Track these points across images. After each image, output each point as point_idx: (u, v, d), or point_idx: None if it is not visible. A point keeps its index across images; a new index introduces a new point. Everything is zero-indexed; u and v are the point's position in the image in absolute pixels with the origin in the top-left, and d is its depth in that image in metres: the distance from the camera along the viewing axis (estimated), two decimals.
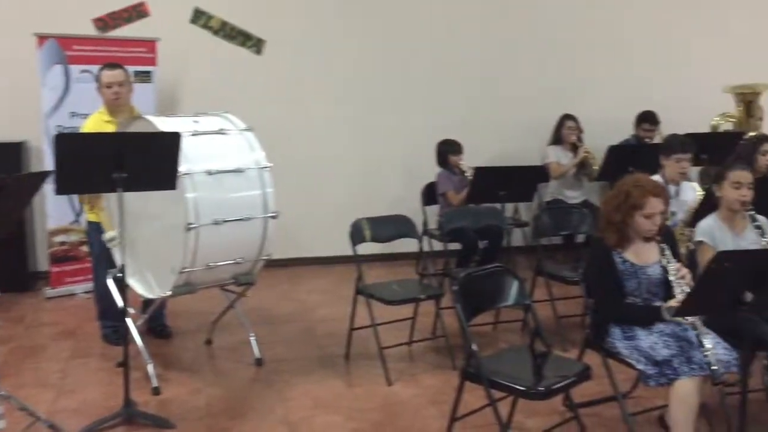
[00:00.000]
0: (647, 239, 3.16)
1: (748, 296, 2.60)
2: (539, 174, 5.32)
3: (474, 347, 2.92)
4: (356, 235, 4.18)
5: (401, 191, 6.29)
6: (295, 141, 6.23)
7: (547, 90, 6.67)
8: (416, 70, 6.57)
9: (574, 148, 6.22)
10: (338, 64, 6.41)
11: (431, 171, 5.76)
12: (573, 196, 6.29)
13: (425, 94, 6.60)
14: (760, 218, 3.50)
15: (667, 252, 3.14)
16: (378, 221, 4.32)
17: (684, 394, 2.93)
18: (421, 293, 4.20)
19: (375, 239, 4.28)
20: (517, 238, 6.29)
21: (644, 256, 3.18)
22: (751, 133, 5.92)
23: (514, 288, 3.21)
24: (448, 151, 5.63)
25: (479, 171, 5.02)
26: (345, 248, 4.22)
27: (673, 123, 6.38)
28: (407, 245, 4.76)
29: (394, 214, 4.49)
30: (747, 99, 6.09)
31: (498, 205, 5.11)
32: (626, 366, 3.14)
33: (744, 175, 3.50)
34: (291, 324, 4.99)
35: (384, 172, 6.59)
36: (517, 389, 2.88)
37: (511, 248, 6.18)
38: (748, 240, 3.50)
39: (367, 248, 4.43)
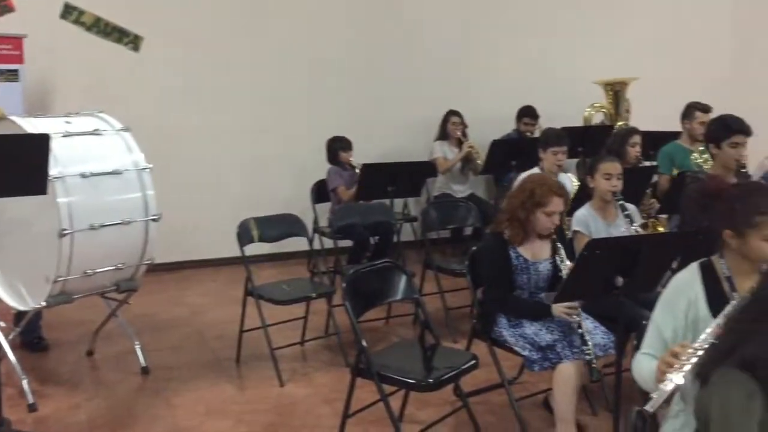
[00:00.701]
0: (543, 237, 3.28)
1: (620, 281, 2.74)
2: (426, 169, 5.42)
3: (364, 343, 2.93)
4: (244, 235, 4.10)
5: (291, 190, 6.23)
6: (179, 141, 6.03)
7: (433, 87, 6.78)
8: (303, 68, 6.51)
9: (460, 143, 6.37)
10: (222, 62, 6.26)
11: (322, 169, 5.74)
12: (460, 190, 6.45)
13: (313, 92, 6.55)
14: (630, 207, 3.71)
15: (561, 251, 3.28)
16: (266, 221, 4.25)
17: (566, 377, 3.07)
18: (312, 292, 4.17)
19: (263, 239, 4.22)
20: (408, 233, 6.39)
21: (537, 252, 3.30)
22: (620, 124, 6.29)
23: (402, 282, 3.24)
24: (337, 147, 5.63)
25: (367, 167, 5.05)
26: (234, 250, 4.13)
27: (551, 117, 6.69)
28: (298, 244, 4.71)
29: (282, 213, 4.44)
30: (615, 90, 6.43)
31: (387, 201, 5.17)
32: (512, 353, 3.25)
33: (614, 167, 3.70)
34: (179, 329, 4.83)
35: (273, 171, 6.50)
36: (407, 382, 2.93)
37: (402, 243, 6.27)
38: (620, 228, 3.71)
39: (257, 249, 4.36)
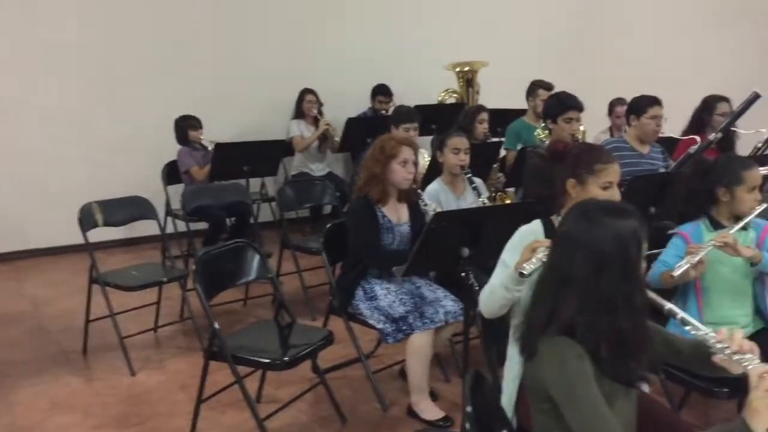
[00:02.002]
0: (402, 195, 3.35)
1: (465, 251, 2.85)
2: (281, 148, 5.35)
3: (216, 325, 2.87)
4: (86, 220, 3.87)
5: (141, 172, 5.94)
6: (13, 123, 5.59)
7: (287, 65, 6.70)
8: (148, 47, 6.21)
9: (316, 121, 6.35)
10: (60, 38, 5.85)
11: (173, 149, 5.52)
12: (318, 169, 6.44)
13: (160, 71, 6.27)
14: (477, 180, 3.85)
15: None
16: (111, 204, 4.04)
17: (418, 346, 3.16)
18: (163, 276, 4.01)
19: (108, 223, 4.01)
20: (266, 213, 6.32)
21: (398, 214, 3.38)
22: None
23: (255, 262, 3.19)
24: (187, 126, 5.43)
25: (219, 147, 4.92)
26: (80, 236, 3.90)
27: (405, 95, 6.82)
28: (151, 228, 4.51)
29: (128, 196, 4.22)
30: (466, 76, 6.64)
31: (242, 181, 5.07)
32: (369, 327, 3.30)
33: (461, 142, 3.82)
34: (19, 323, 4.51)
35: (120, 152, 6.18)
36: (262, 362, 2.90)
37: (260, 223, 6.20)
38: (469, 201, 3.85)
39: (105, 234, 4.14)
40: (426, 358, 3.19)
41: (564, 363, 1.69)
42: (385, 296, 3.25)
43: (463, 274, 2.92)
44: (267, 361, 2.88)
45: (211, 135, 5.46)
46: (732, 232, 2.67)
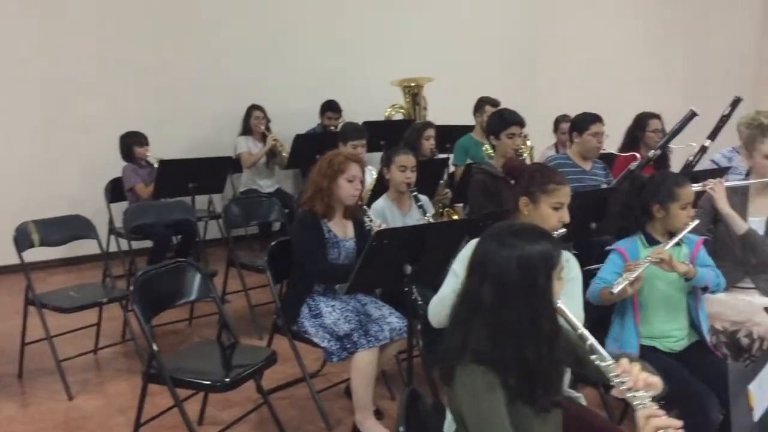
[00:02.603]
0: (348, 211, 3.34)
1: (408, 269, 2.85)
2: (227, 164, 5.29)
3: (155, 347, 2.80)
4: (22, 240, 3.75)
5: (82, 190, 5.82)
6: None
7: (236, 81, 6.64)
8: (90, 60, 6.08)
9: (264, 137, 6.31)
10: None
11: (117, 166, 5.41)
12: (266, 185, 6.40)
13: (103, 86, 6.13)
14: (423, 198, 3.86)
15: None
16: (48, 223, 3.92)
17: (363, 364, 3.14)
18: (103, 297, 3.90)
19: (45, 243, 3.89)
20: (214, 230, 6.23)
21: (344, 230, 3.37)
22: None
23: (197, 282, 3.14)
24: (132, 143, 5.34)
25: (164, 164, 4.85)
26: (16, 256, 3.78)
27: (354, 111, 6.84)
28: (92, 247, 4.39)
29: (67, 215, 4.11)
30: (412, 91, 6.69)
31: (188, 198, 4.99)
32: (314, 346, 3.27)
33: (408, 159, 3.83)
34: None
35: (61, 170, 6.03)
36: (202, 384, 2.84)
37: (208, 241, 6.12)
38: (414, 218, 3.85)
39: (44, 254, 4.02)
40: (371, 376, 3.17)
41: (475, 394, 1.68)
42: (330, 314, 3.23)
43: (406, 289, 2.93)
44: (207, 382, 2.82)
45: (158, 151, 5.38)
46: (667, 248, 2.73)
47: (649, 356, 2.74)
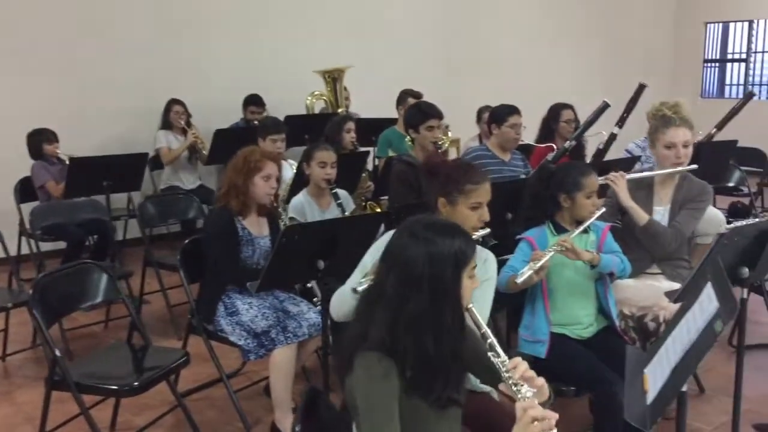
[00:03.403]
0: (261, 213, 3.28)
1: (321, 264, 2.82)
2: (143, 161, 5.13)
3: (57, 353, 2.69)
4: None
5: None
6: None
7: (155, 74, 6.46)
8: None
9: (185, 132, 6.17)
10: None
11: (27, 165, 5.18)
12: (189, 181, 6.25)
13: (10, 80, 5.84)
14: (342, 194, 3.83)
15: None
16: None
17: (280, 362, 3.11)
18: (9, 301, 3.74)
19: None
20: (135, 229, 6.04)
21: (259, 227, 3.31)
22: (340, 110, 6.52)
23: (102, 283, 3.03)
24: (40, 140, 5.12)
25: (74, 162, 4.66)
26: None
27: (278, 105, 6.75)
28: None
29: None
30: (332, 75, 6.63)
31: (102, 197, 4.83)
32: (230, 345, 3.20)
33: (328, 155, 3.79)
34: None
35: None
36: (109, 389, 2.75)
37: (129, 240, 5.94)
38: (334, 213, 3.82)
39: None
40: (289, 373, 3.14)
41: (369, 380, 1.67)
42: (247, 311, 3.17)
43: (326, 285, 2.90)
44: (114, 387, 2.74)
45: (73, 149, 5.16)
46: (572, 236, 2.79)
47: (559, 343, 2.80)
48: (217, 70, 6.83)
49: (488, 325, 1.87)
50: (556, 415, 1.58)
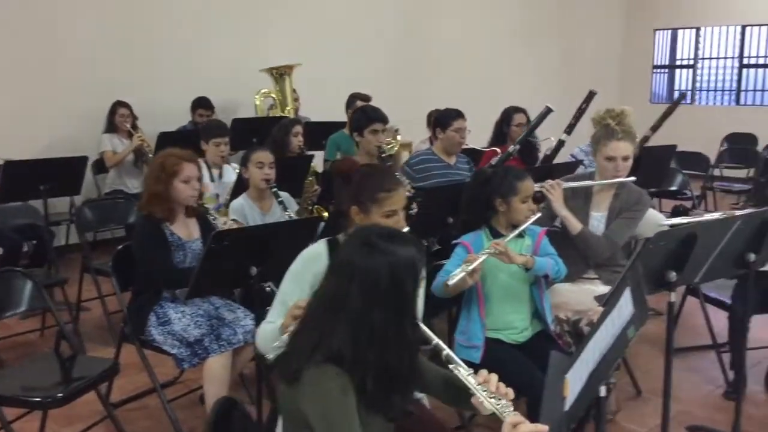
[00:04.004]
0: (190, 210, 3.21)
1: (254, 270, 2.77)
2: (83, 164, 5.00)
3: None
4: None
5: None
6: None
7: (101, 76, 6.31)
8: None
9: (131, 135, 6.04)
10: None
11: None
12: (134, 185, 6.10)
13: None
14: (283, 194, 3.79)
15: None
16: None
17: (214, 370, 3.04)
18: None
19: None
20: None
21: (188, 231, 3.24)
22: (288, 108, 6.47)
23: (27, 291, 2.93)
24: None
25: (9, 165, 4.52)
26: None
27: (228, 107, 6.67)
28: None
29: None
30: (280, 72, 6.56)
31: (39, 201, 4.69)
32: (163, 354, 3.13)
33: (265, 156, 3.75)
34: None
35: None
36: (32, 401, 2.66)
37: (71, 246, 5.80)
38: (276, 216, 3.77)
39: None
40: (223, 381, 3.07)
41: (327, 395, 1.63)
42: (179, 320, 3.10)
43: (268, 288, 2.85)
44: (37, 399, 2.64)
45: (12, 152, 5.00)
46: (507, 240, 2.78)
47: (494, 348, 2.80)
48: (165, 72, 6.71)
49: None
50: (545, 428, 1.58)
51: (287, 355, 1.78)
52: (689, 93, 10.83)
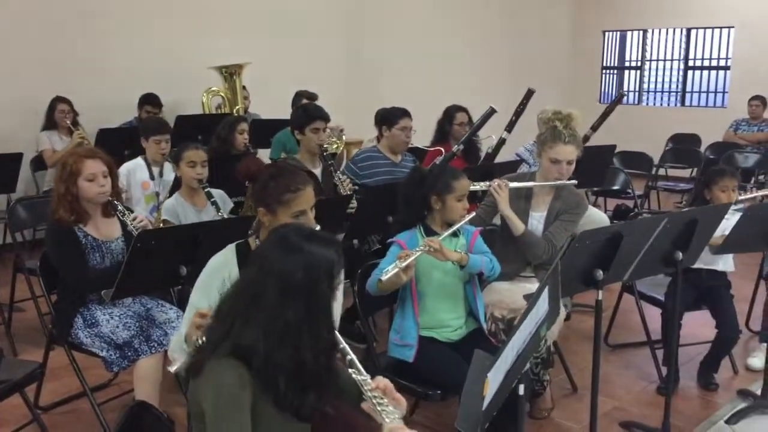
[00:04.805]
0: (107, 210, 3.11)
1: (183, 270, 2.72)
2: (18, 161, 4.86)
3: None
4: None
5: None
6: None
7: (39, 71, 6.14)
8: None
9: (71, 132, 5.89)
10: None
11: None
12: None
13: None
14: (216, 193, 3.72)
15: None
16: None
17: (145, 372, 2.97)
18: None
19: None
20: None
21: (107, 230, 3.13)
22: (237, 108, 6.40)
23: None
24: None
25: None
26: None
27: (176, 104, 6.55)
28: None
29: None
30: (229, 71, 6.48)
31: None
32: (92, 356, 3.05)
33: (197, 155, 3.69)
34: None
35: None
36: None
37: (8, 245, 5.62)
38: (210, 214, 3.71)
39: None
40: (154, 383, 3.00)
41: (220, 387, 1.61)
42: (108, 322, 3.02)
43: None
44: None
45: None
46: (442, 238, 2.78)
47: (428, 347, 2.80)
48: (109, 67, 6.55)
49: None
50: None
51: (197, 349, 1.76)
52: (636, 94, 11.04)
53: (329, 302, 1.74)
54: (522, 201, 3.41)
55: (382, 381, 1.75)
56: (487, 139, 4.87)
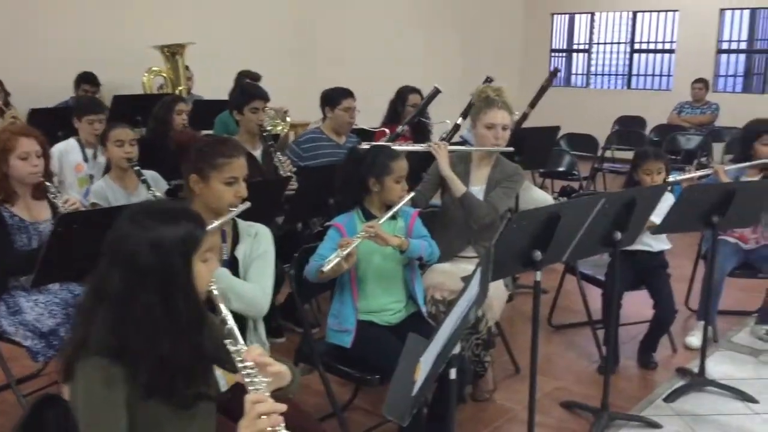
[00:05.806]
0: (39, 191, 2.98)
1: None
2: None
3: None
4: None
5: None
6: None
7: None
8: None
9: (2, 113, 5.63)
10: None
11: None
12: None
13: None
14: (147, 173, 3.58)
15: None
16: None
17: None
18: None
19: None
20: None
21: (36, 212, 3.00)
22: (180, 88, 6.22)
23: None
24: None
25: None
26: None
27: (116, 84, 6.32)
28: None
29: None
30: (171, 50, 6.29)
31: None
32: (16, 346, 2.92)
33: (124, 133, 3.57)
34: None
35: None
36: None
37: None
38: (142, 196, 3.57)
39: None
40: None
41: (88, 389, 1.51)
42: (32, 309, 2.88)
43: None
44: None
45: None
46: (381, 221, 2.72)
47: (366, 331, 2.74)
48: (43, 45, 6.28)
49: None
50: (283, 407, 1.51)
51: (64, 350, 1.65)
52: (584, 77, 11.13)
53: (188, 279, 1.60)
54: (462, 165, 3.40)
55: (254, 352, 1.63)
56: (441, 123, 4.81)
